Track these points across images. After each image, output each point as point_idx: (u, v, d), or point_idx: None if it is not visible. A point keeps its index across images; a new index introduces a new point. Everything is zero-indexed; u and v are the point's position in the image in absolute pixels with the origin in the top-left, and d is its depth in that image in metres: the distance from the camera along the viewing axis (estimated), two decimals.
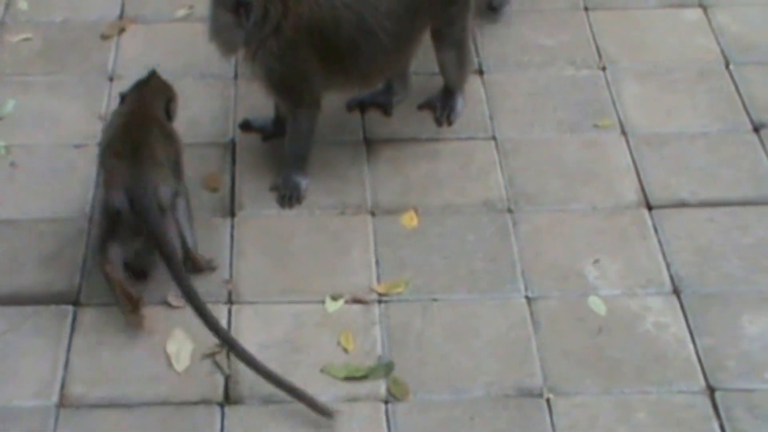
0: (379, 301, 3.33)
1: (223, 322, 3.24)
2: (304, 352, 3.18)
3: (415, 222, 3.57)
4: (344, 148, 3.82)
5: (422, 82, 4.00)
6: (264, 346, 3.18)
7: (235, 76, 4.06)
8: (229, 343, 3.10)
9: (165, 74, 3.53)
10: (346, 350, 3.19)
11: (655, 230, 3.55)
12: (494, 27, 4.29)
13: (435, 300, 3.33)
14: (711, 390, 3.10)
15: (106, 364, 3.14)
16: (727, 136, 3.87)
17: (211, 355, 3.16)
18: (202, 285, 3.32)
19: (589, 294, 3.34)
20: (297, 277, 3.39)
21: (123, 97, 3.44)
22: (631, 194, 3.66)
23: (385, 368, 3.13)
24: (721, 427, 3.01)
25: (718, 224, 3.56)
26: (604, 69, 4.14)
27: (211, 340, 3.16)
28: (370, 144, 3.84)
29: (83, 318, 3.26)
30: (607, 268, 3.43)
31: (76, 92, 3.95)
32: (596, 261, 3.44)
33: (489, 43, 4.23)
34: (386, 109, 3.94)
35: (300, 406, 3.00)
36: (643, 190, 3.68)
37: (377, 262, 3.44)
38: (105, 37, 4.19)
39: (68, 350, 3.18)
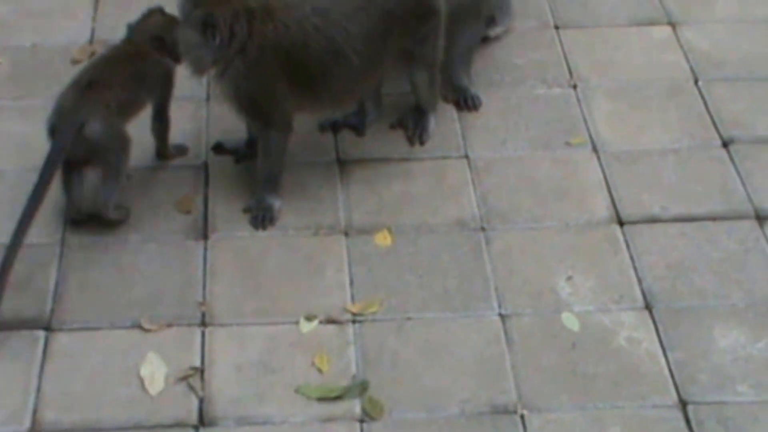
0: (354, 321, 3.33)
1: (197, 344, 3.24)
2: (278, 373, 3.17)
3: (388, 241, 3.57)
4: (317, 169, 3.82)
5: (394, 101, 4.01)
6: (238, 368, 3.18)
7: (207, 98, 4.06)
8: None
9: None
10: (320, 370, 3.18)
11: (627, 246, 3.56)
12: None
13: (409, 319, 3.34)
14: (683, 404, 3.11)
15: (78, 389, 3.12)
16: (696, 152, 3.89)
17: (185, 378, 3.15)
18: (175, 308, 3.32)
19: (563, 310, 3.35)
20: (271, 298, 3.39)
21: (130, 29, 3.59)
22: (603, 211, 3.68)
23: (360, 388, 3.13)
24: None
25: (689, 239, 3.58)
26: (575, 87, 4.16)
27: (185, 363, 3.15)
28: (343, 164, 3.85)
29: (55, 343, 3.25)
30: (580, 284, 3.44)
31: (45, 117, 3.92)
32: (569, 277, 3.46)
33: None
34: (359, 130, 3.95)
35: (276, 428, 2.99)
36: (614, 206, 3.70)
37: (351, 282, 3.44)
38: (75, 62, 4.17)
39: (40, 376, 3.16)
